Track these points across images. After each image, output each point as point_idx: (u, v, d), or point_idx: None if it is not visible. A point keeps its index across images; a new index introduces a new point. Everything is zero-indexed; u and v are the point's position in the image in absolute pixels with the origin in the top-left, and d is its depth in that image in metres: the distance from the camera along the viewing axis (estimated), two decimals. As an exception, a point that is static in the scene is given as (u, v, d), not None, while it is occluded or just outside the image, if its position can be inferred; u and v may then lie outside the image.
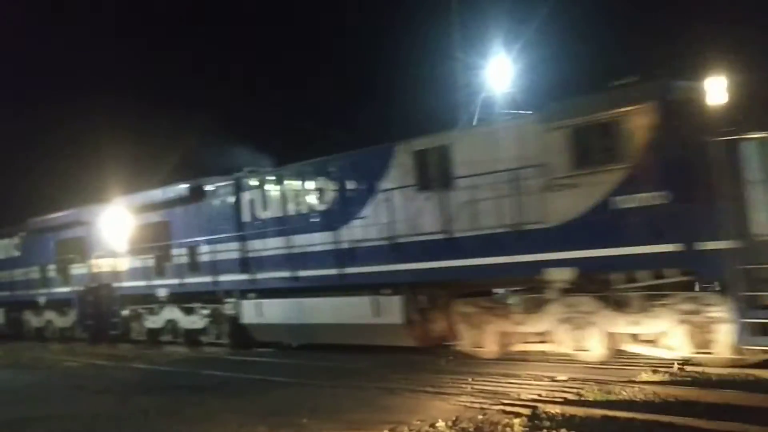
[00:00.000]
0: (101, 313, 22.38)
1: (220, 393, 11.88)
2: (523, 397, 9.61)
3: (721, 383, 9.64)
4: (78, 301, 23.32)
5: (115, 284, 21.88)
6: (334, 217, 15.37)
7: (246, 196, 17.52)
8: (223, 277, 17.98)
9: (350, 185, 15.26)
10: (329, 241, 15.38)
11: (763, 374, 9.84)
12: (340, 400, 10.38)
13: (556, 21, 23.70)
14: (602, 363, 11.58)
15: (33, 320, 26.52)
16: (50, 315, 25.49)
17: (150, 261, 20.43)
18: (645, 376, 10.38)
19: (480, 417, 8.79)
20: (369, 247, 14.58)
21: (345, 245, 15.07)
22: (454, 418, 8.75)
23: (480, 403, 9.46)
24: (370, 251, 14.55)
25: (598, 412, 8.54)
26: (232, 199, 17.88)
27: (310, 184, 16.07)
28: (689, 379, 10.15)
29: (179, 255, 19.40)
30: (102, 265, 22.63)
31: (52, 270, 25.01)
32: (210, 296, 18.70)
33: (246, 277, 17.32)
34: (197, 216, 18.94)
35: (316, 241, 15.69)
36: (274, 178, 17.14)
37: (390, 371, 12.56)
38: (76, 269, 23.69)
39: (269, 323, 17.04)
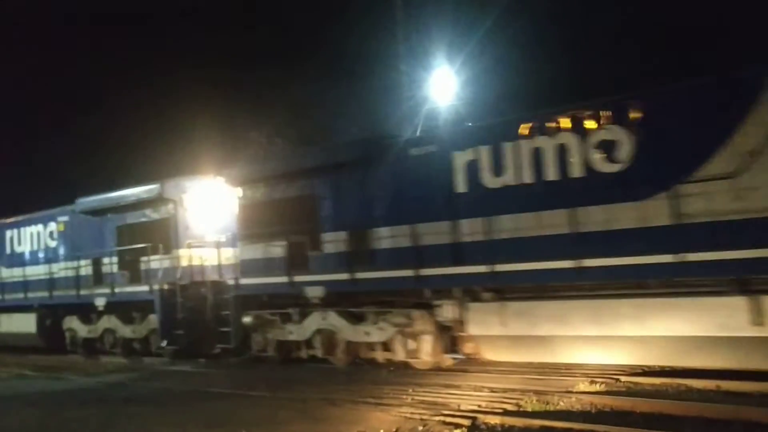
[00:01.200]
0: (198, 320, 17.07)
1: (156, 404, 11.61)
2: (463, 408, 9.65)
3: (655, 393, 9.86)
4: (161, 304, 17.56)
5: (225, 281, 16.30)
6: (644, 177, 10.57)
7: (464, 158, 12.47)
8: (431, 270, 12.74)
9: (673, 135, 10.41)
10: (645, 215, 10.48)
11: (695, 384, 10.10)
12: (280, 412, 10.25)
13: (498, 33, 24.07)
14: (542, 373, 11.73)
15: (80, 329, 20.61)
16: (109, 322, 19.59)
17: (285, 249, 14.88)
18: (582, 386, 10.54)
19: (420, 428, 8.80)
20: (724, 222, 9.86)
21: (686, 219, 10.11)
22: (394, 429, 8.74)
23: (420, 414, 9.46)
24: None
25: (537, 422, 8.63)
26: (437, 162, 12.81)
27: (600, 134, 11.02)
28: (624, 389, 10.34)
29: (336, 240, 14.19)
30: (197, 256, 17.61)
31: (112, 263, 19.26)
32: (390, 297, 13.71)
33: (480, 269, 12.10)
34: (369, 187, 13.75)
35: (618, 215, 10.73)
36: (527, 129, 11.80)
37: (331, 382, 12.47)
38: (154, 262, 17.93)
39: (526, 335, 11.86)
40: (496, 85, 24.49)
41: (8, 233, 23.27)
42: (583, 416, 8.88)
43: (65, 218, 20.98)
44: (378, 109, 24.40)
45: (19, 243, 22.78)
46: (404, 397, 10.72)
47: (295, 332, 15.14)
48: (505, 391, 10.61)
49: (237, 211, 16.00)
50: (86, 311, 20.19)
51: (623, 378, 10.86)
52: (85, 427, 10.22)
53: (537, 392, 10.22)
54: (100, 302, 19.42)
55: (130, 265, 18.70)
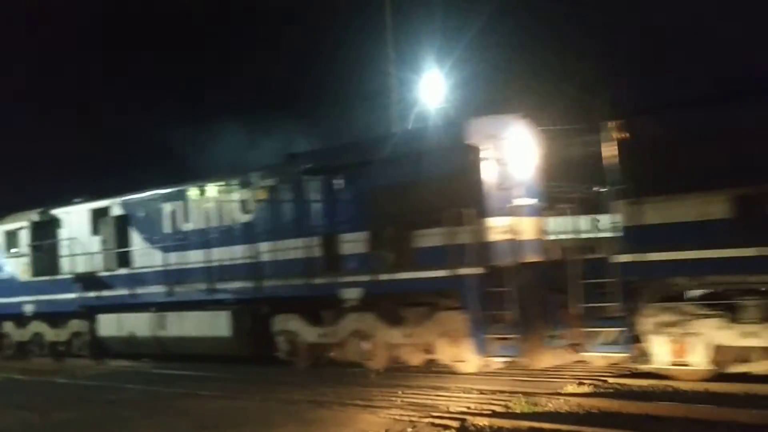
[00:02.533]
0: (538, 316, 12.06)
1: (145, 407, 11.60)
2: (452, 409, 9.69)
3: (643, 395, 9.93)
4: (479, 293, 12.19)
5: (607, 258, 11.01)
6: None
7: None
8: None
9: None
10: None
11: (681, 386, 10.18)
12: (269, 414, 10.27)
13: (487, 36, 24.14)
14: (530, 375, 11.79)
15: (306, 331, 14.77)
16: (362, 322, 13.82)
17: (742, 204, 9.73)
18: (570, 388, 10.60)
19: (409, 430, 8.84)
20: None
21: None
22: (383, 431, 8.77)
23: (409, 415, 9.50)
24: None
25: (525, 423, 8.69)
26: None
27: None
28: (612, 390, 10.41)
29: None
30: (512, 226, 12.61)
31: (358, 241, 13.82)
32: None
33: None
34: None
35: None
36: None
37: (320, 384, 12.50)
38: (445, 236, 12.47)
39: None
40: (485, 87, 24.60)
41: (167, 207, 17.60)
42: (571, 418, 8.94)
43: (269, 182, 15.45)
44: (365, 114, 24.44)
45: (186, 219, 17.16)
46: (393, 399, 10.75)
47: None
48: (493, 392, 10.66)
49: (619, 155, 10.73)
50: (310, 307, 14.68)
51: (611, 379, 10.94)
52: (76, 430, 10.19)
53: (525, 394, 10.28)
54: (352, 294, 13.77)
55: (393, 243, 13.27)
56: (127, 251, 18.57)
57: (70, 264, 19.93)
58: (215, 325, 16.07)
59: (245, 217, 15.92)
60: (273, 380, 13.44)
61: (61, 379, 16.18)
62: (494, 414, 9.33)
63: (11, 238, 21.72)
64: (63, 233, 20.39)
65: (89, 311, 19.45)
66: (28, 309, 21.04)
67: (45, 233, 20.82)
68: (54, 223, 20.63)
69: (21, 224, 21.36)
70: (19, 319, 21.57)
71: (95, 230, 19.49)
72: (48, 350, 20.81)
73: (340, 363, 14.21)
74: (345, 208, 14.12)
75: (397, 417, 9.51)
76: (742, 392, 9.59)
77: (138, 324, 17.97)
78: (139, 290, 18.11)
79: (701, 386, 10.02)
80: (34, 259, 21.01)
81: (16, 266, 21.57)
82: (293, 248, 14.75)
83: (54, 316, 20.47)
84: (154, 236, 17.92)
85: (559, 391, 10.40)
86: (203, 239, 16.59)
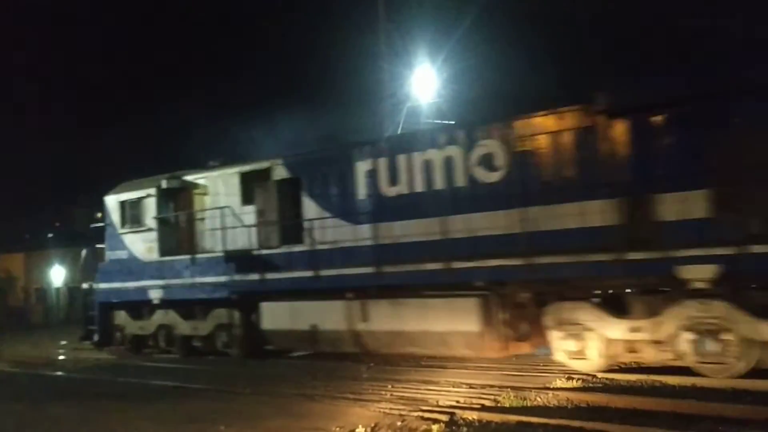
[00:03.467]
0: None
1: (136, 400, 11.63)
2: (441, 403, 9.76)
3: (630, 389, 10.03)
4: None
5: None
6: None
7: None
8: None
9: None
10: None
11: (669, 380, 10.27)
12: (259, 407, 10.31)
13: (479, 31, 24.18)
14: (520, 370, 11.88)
15: (610, 327, 11.08)
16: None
17: None
18: (559, 382, 10.68)
19: (399, 423, 8.89)
20: None
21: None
22: (373, 425, 8.83)
23: (399, 409, 9.56)
24: None
25: (514, 417, 8.74)
26: None
27: None
28: (600, 385, 10.50)
29: None
30: None
31: (700, 201, 10.09)
32: None
33: None
34: None
35: None
36: None
37: (310, 378, 12.55)
38: None
39: None
40: (477, 82, 24.65)
41: (362, 165, 13.92)
42: (560, 412, 9.01)
43: (537, 128, 11.79)
44: (357, 108, 24.46)
45: (394, 180, 13.42)
46: (383, 392, 10.82)
47: None
48: (483, 387, 10.73)
49: None
50: (605, 293, 11.49)
51: (599, 374, 11.03)
52: (67, 422, 10.22)
53: (514, 388, 10.35)
54: (697, 273, 10.08)
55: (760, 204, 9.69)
56: (300, 223, 14.59)
57: (213, 240, 16.11)
58: (454, 316, 12.37)
59: (493, 176, 12.21)
60: (263, 374, 13.48)
61: (52, 372, 16.17)
62: (483, 408, 9.39)
63: (130, 210, 17.63)
64: (204, 202, 16.79)
65: (243, 299, 15.58)
66: (155, 295, 17.02)
67: (176, 204, 17.18)
68: (188, 191, 16.96)
69: (144, 193, 17.27)
70: (137, 308, 17.89)
71: (247, 198, 15.64)
72: (179, 345, 16.97)
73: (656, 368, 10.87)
74: (671, 157, 10.44)
75: (387, 411, 9.56)
76: (728, 387, 9.69)
77: (325, 315, 14.15)
78: (326, 272, 13.97)
79: (688, 381, 10.12)
80: (163, 234, 16.99)
81: (137, 244, 17.45)
82: (577, 214, 11.10)
83: (187, 304, 16.66)
84: (341, 204, 14.07)
85: (547, 385, 10.48)
86: (424, 205, 12.87)
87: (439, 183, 12.84)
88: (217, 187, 16.42)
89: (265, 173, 15.32)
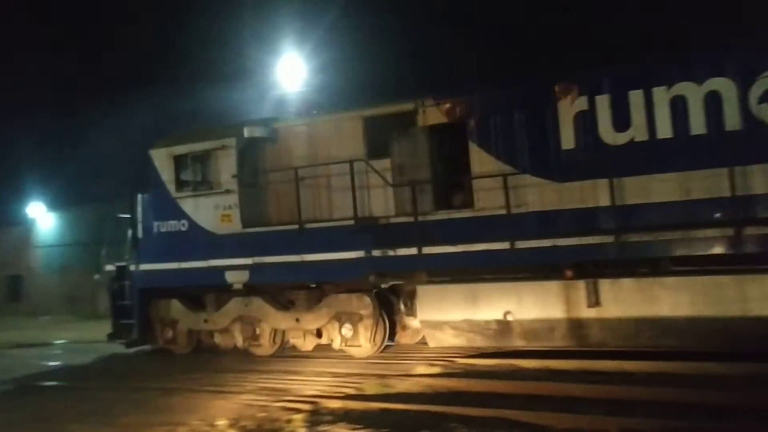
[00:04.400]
0: None
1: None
2: (304, 393, 9.71)
3: (488, 374, 10.35)
4: None
5: None
6: None
7: None
8: None
9: None
10: None
11: (525, 364, 10.68)
12: (114, 404, 9.87)
13: (347, 22, 24.24)
14: (384, 358, 12.00)
15: None
16: None
17: None
18: (421, 369, 10.88)
19: (261, 414, 8.77)
20: None
21: None
22: (235, 417, 8.66)
23: (262, 400, 9.43)
24: None
25: (377, 405, 8.82)
26: None
27: None
28: (460, 371, 10.78)
29: None
30: None
31: None
32: None
33: None
34: None
35: None
36: None
37: (174, 371, 12.16)
38: None
39: None
40: (347, 72, 24.68)
41: (569, 104, 10.86)
42: (421, 397, 9.17)
43: None
44: (221, 95, 23.93)
45: (622, 123, 10.50)
46: (246, 384, 10.64)
47: None
48: (346, 375, 10.77)
49: None
50: None
51: (460, 360, 11.32)
52: None
53: (378, 376, 10.45)
54: None
55: None
56: (469, 181, 11.37)
57: (329, 205, 12.62)
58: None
59: None
60: (122, 369, 12.97)
61: None
62: (347, 396, 9.42)
63: (194, 167, 13.40)
64: (302, 157, 12.78)
65: (381, 281, 12.25)
66: (235, 278, 13.01)
67: (263, 158, 13.18)
68: (281, 143, 13.13)
69: (218, 144, 13.11)
70: (195, 296, 13.91)
71: (375, 150, 12.12)
72: (270, 342, 13.16)
73: None
74: None
75: (249, 402, 9.42)
76: (578, 368, 10.18)
77: (528, 300, 10.98)
78: (529, 244, 10.75)
79: (542, 364, 10.56)
80: (248, 198, 12.96)
81: (205, 211, 13.24)
82: None
83: (279, 290, 13.12)
84: (537, 156, 10.97)
85: (410, 372, 10.65)
86: (674, 156, 10.13)
87: (697, 127, 10.11)
88: (326, 138, 12.66)
89: (408, 118, 11.90)
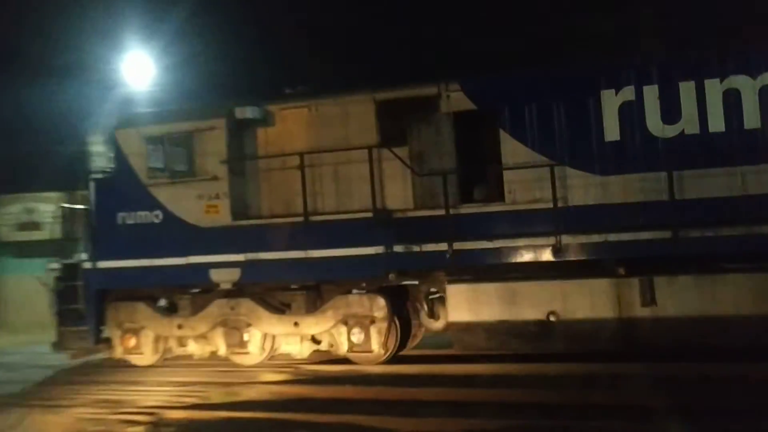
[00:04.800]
0: None
1: None
2: (144, 404, 9.30)
3: (335, 379, 10.34)
4: None
5: None
6: None
7: None
8: None
9: None
10: None
11: (372, 369, 10.77)
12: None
13: (198, 22, 23.69)
14: (229, 365, 11.71)
15: None
16: None
17: None
18: (268, 376, 10.72)
19: (96, 429, 8.31)
20: None
21: None
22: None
23: (98, 413, 8.94)
24: None
25: (222, 414, 8.62)
26: None
27: None
28: (307, 377, 10.70)
29: None
30: None
31: None
32: None
33: None
34: None
35: None
36: None
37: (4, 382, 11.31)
38: None
39: None
40: (198, 72, 24.09)
41: (613, 94, 10.36)
42: (268, 405, 9.01)
43: None
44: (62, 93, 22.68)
45: (671, 116, 10.15)
46: (80, 396, 10.05)
47: None
48: (191, 384, 10.43)
49: None
50: None
51: (307, 367, 11.24)
52: None
53: (223, 384, 10.19)
54: None
55: None
56: (499, 173, 10.59)
57: (337, 196, 11.38)
58: None
59: None
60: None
61: None
62: (190, 406, 9.12)
63: (171, 150, 11.83)
64: (298, 141, 11.56)
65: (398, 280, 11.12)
66: (222, 277, 11.47)
67: (254, 143, 11.82)
68: (276, 126, 11.78)
69: (203, 125, 11.60)
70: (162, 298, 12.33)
71: (389, 137, 11.07)
72: (260, 350, 11.61)
73: None
74: None
75: (84, 415, 8.89)
76: (424, 372, 10.37)
77: (574, 298, 10.24)
78: (577, 239, 10.13)
79: (386, 369, 10.69)
80: (238, 187, 11.60)
81: (185, 201, 11.66)
82: None
83: (270, 291, 11.61)
84: (577, 147, 10.40)
85: (256, 379, 10.46)
86: (728, 150, 9.84)
87: (753, 121, 9.83)
88: (330, 122, 11.48)
89: (429, 103, 11.02)
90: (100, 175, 12.34)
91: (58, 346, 12.40)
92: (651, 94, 10.13)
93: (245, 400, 9.41)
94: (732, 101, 9.85)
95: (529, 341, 10.45)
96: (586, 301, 10.14)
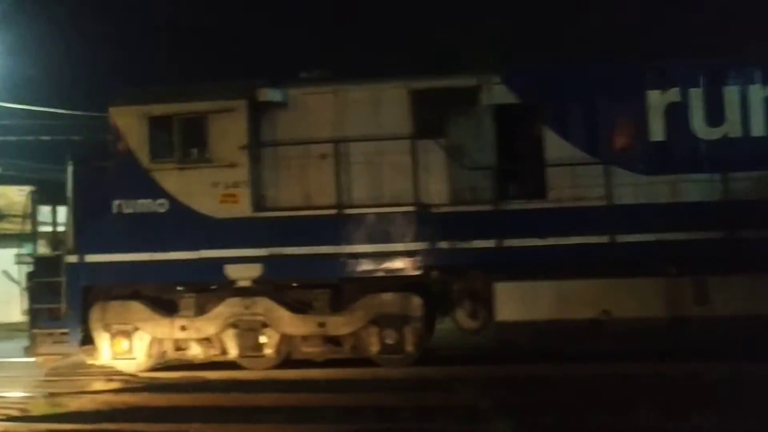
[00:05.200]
0: None
1: None
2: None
3: (171, 387, 9.97)
4: None
5: None
6: None
7: None
8: None
9: None
10: None
11: (210, 375, 10.47)
12: None
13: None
14: (56, 375, 11.03)
15: None
16: None
17: None
18: (98, 385, 10.17)
19: None
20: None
21: None
22: None
23: None
24: None
25: (44, 426, 8.10)
26: None
27: None
28: (141, 385, 10.23)
29: None
30: None
31: None
32: None
33: None
34: None
35: None
36: None
37: None
38: None
39: None
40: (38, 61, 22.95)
41: (659, 94, 10.45)
42: (96, 416, 8.53)
43: None
44: None
45: (715, 118, 10.41)
46: None
47: None
48: (9, 397, 9.68)
49: None
50: None
51: (142, 374, 10.75)
52: None
53: (48, 395, 9.55)
54: None
55: None
56: (542, 169, 10.33)
57: (371, 189, 10.61)
58: None
59: None
60: None
61: None
62: (8, 419, 8.47)
63: (182, 133, 10.69)
64: (342, 129, 10.74)
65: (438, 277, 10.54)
66: (241, 273, 10.57)
67: (275, 128, 10.90)
68: (299, 112, 10.93)
69: (219, 106, 10.62)
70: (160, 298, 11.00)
71: (424, 128, 10.57)
72: (276, 353, 10.75)
73: None
74: None
75: None
76: (264, 378, 10.22)
77: (627, 297, 10.18)
78: (631, 238, 10.05)
79: (229, 375, 10.44)
80: (260, 174, 10.72)
81: (196, 188, 10.65)
82: None
83: (288, 290, 10.80)
84: (626, 145, 10.42)
85: (84, 389, 9.90)
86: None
87: None
88: (358, 109, 10.77)
89: (467, 95, 10.57)
90: (88, 159, 11.20)
91: (31, 350, 11.05)
92: (696, 96, 10.29)
93: (71, 411, 8.86)
94: None
95: (580, 340, 10.47)
96: (639, 299, 10.10)
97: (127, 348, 10.85)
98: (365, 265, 10.41)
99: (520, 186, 10.65)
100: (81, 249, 10.76)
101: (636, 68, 10.74)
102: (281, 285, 10.70)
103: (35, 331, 11.00)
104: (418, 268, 10.34)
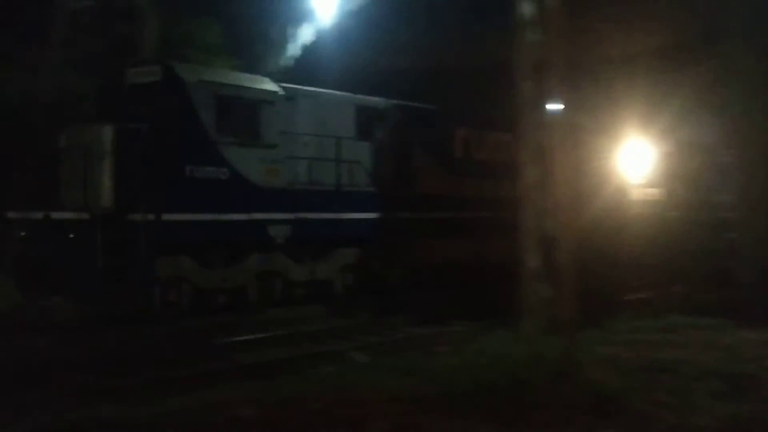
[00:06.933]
0: None
1: None
2: None
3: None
4: None
5: None
6: None
7: None
8: None
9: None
10: None
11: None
12: None
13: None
14: None
15: None
16: None
17: None
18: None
19: None
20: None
21: None
22: None
23: None
24: None
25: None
26: None
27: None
28: None
29: None
30: None
31: None
32: None
33: None
34: None
35: None
36: None
37: None
38: None
39: None
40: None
41: None
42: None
43: None
44: None
45: None
46: None
47: None
48: None
49: None
50: None
51: None
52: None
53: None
54: None
55: None
56: None
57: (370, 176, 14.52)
58: None
59: None
60: None
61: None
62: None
63: (241, 114, 12.33)
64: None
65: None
66: (278, 232, 12.76)
67: (299, 117, 13.43)
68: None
69: (265, 95, 12.68)
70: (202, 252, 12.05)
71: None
72: (284, 295, 13.08)
73: None
74: None
75: None
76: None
77: None
78: None
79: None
80: (290, 154, 13.08)
81: (252, 162, 12.36)
82: None
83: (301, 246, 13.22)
84: None
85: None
86: None
87: None
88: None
89: None
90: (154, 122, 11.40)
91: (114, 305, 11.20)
92: None
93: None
94: None
95: None
96: None
97: (175, 297, 11.74)
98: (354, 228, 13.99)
99: None
100: (158, 208, 11.08)
101: None
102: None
103: (106, 288, 11.10)
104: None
